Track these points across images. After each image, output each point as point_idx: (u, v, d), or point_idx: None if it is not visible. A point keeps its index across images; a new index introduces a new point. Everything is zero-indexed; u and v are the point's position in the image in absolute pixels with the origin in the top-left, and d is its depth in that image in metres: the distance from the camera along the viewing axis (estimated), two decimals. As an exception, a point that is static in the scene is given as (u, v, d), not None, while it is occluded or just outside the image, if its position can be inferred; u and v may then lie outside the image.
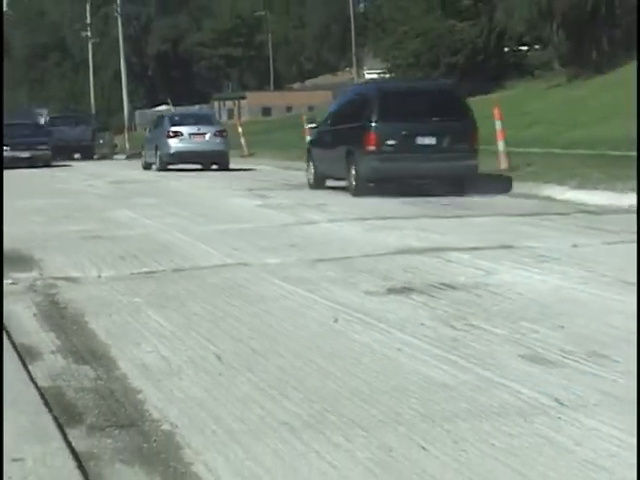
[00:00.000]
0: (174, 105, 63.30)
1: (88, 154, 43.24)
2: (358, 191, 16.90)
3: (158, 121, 32.48)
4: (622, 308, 6.54)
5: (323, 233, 11.36)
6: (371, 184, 17.10)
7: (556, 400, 4.53)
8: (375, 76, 52.12)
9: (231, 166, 29.08)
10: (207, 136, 29.59)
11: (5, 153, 32.13)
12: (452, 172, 16.88)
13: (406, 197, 15.96)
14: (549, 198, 15.30)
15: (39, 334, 6.20)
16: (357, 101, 18.40)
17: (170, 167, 29.11)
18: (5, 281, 7.99)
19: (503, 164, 18.74)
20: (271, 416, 4.37)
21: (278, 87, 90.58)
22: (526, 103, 31.12)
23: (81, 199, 17.90)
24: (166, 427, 4.27)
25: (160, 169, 29.34)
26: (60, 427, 4.20)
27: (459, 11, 43.51)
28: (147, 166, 31.41)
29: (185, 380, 5.02)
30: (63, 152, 38.95)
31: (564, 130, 24.66)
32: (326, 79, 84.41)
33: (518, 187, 16.58)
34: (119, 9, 64.63)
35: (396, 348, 5.58)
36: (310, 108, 55.99)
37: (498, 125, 18.93)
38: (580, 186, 15.28)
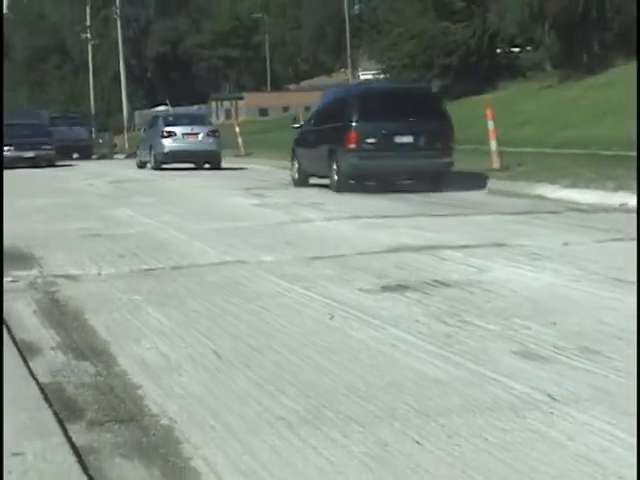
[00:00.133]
0: (173, 106, 63.31)
1: (86, 154, 43.34)
2: (340, 187, 17.52)
3: (153, 121, 32.59)
4: (614, 305, 6.60)
5: (318, 231, 11.40)
6: (352, 181, 17.66)
7: (548, 395, 4.57)
8: (370, 77, 52.17)
9: (228, 165, 29.12)
10: (200, 136, 29.70)
11: (9, 153, 32.25)
12: (428, 169, 17.52)
13: (389, 194, 16.15)
14: (541, 197, 15.33)
15: (39, 331, 6.23)
16: (339, 102, 18.90)
17: (164, 166, 29.18)
18: (6, 279, 8.03)
19: (495, 163, 18.84)
20: (268, 412, 4.41)
21: (275, 88, 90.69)
22: (518, 104, 31.18)
23: (81, 198, 17.92)
24: (165, 422, 4.31)
25: (154, 168, 29.41)
26: (60, 422, 4.23)
27: (452, 13, 43.57)
28: (142, 165, 31.49)
29: (184, 376, 5.06)
30: (62, 152, 38.97)
31: (556, 130, 24.74)
32: (322, 80, 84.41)
33: (510, 186, 16.60)
34: (118, 11, 64.68)
35: (391, 344, 5.63)
36: (307, 108, 55.94)
37: (490, 125, 19.04)
38: (571, 185, 15.32)
